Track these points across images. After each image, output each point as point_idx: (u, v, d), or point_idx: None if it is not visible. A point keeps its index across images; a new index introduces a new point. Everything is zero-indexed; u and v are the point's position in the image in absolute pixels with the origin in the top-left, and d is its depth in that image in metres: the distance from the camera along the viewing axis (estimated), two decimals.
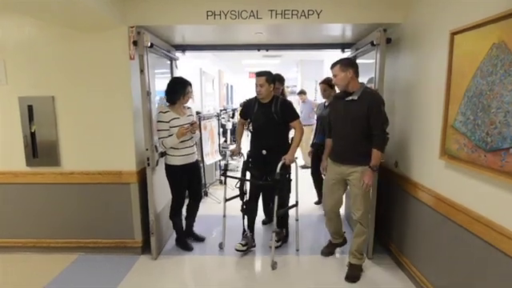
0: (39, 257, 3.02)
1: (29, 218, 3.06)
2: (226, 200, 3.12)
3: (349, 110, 2.47)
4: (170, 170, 2.99)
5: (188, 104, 3.11)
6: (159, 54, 3.24)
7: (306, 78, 8.57)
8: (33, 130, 2.93)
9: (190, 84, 3.02)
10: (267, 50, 3.77)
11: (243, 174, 3.13)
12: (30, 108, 2.91)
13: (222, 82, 7.91)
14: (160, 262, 2.89)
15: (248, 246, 3.08)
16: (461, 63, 1.93)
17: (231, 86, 10.79)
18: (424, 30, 2.44)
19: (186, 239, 3.20)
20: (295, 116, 2.99)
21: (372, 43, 2.80)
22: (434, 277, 2.28)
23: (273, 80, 2.94)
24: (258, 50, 3.71)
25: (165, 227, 3.20)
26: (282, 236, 3.21)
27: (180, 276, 2.74)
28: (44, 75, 2.88)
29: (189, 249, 3.13)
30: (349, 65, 2.47)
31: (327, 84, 3.75)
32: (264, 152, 2.97)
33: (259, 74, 2.93)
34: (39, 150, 2.95)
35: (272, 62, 7.76)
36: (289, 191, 3.05)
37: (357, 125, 2.45)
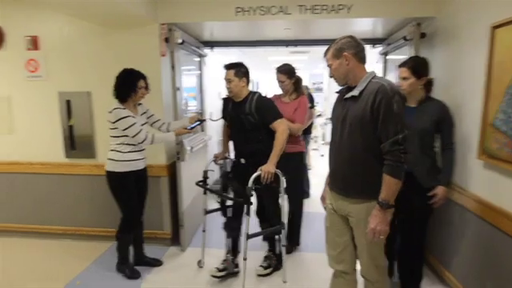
0: (78, 244, 3.20)
1: (68, 207, 3.24)
2: (207, 212, 2.74)
3: (347, 113, 1.67)
4: (111, 178, 2.52)
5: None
6: (189, 51, 3.31)
7: None
8: (71, 124, 3.09)
9: (144, 77, 2.55)
10: (296, 46, 3.75)
11: (223, 187, 2.67)
12: (69, 103, 3.07)
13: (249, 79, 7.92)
14: (188, 254, 2.96)
15: (227, 271, 2.61)
16: (502, 58, 1.83)
17: (257, 83, 10.81)
18: (461, 23, 2.33)
19: (131, 264, 2.72)
20: (275, 116, 2.42)
21: (405, 38, 2.71)
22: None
23: (244, 73, 2.47)
24: (287, 46, 3.71)
25: (193, 220, 3.28)
26: (274, 262, 2.70)
27: (208, 268, 2.76)
28: (81, 71, 3.03)
29: (134, 276, 2.65)
30: (346, 48, 1.64)
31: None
32: (243, 161, 2.53)
33: (227, 67, 2.47)
34: (77, 142, 3.11)
35: (299, 59, 7.67)
36: (276, 208, 2.53)
37: (356, 134, 1.62)
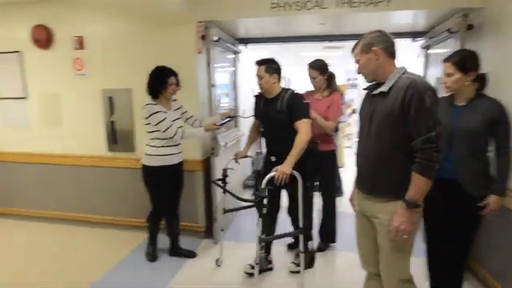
0: (117, 233, 3.39)
1: (109, 198, 3.43)
2: (226, 211, 2.68)
3: (375, 110, 1.61)
4: (146, 172, 2.69)
5: (174, 96, 2.74)
6: (224, 48, 3.36)
7: None
8: (113, 119, 3.26)
9: (175, 74, 2.65)
10: (330, 41, 3.68)
11: (256, 185, 2.64)
12: (111, 99, 3.23)
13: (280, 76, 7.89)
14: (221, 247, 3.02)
15: (260, 268, 2.51)
16: None
17: (289, 80, 10.73)
18: None
19: (154, 247, 2.89)
20: (301, 115, 2.34)
21: (449, 30, 2.57)
22: None
23: (276, 69, 2.44)
24: (321, 41, 3.65)
25: (227, 214, 3.32)
26: (306, 259, 2.65)
27: (240, 261, 2.80)
28: (122, 69, 3.18)
29: (149, 259, 2.85)
30: (375, 42, 1.59)
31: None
32: (273, 159, 2.48)
33: (258, 63, 2.46)
34: (118, 137, 3.28)
35: (333, 54, 7.50)
36: (305, 209, 2.37)
37: (385, 131, 1.56)
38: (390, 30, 3.34)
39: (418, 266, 2.05)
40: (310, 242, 2.75)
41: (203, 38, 2.90)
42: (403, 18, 3.01)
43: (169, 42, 3.02)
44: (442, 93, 2.05)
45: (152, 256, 2.87)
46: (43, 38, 3.26)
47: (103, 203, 3.45)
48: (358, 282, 1.94)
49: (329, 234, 3.04)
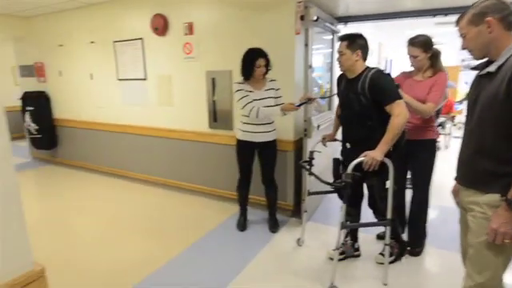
0: (213, 203, 3.74)
1: (207, 170, 3.79)
2: (309, 194, 2.75)
3: (480, 93, 1.41)
4: (236, 144, 2.99)
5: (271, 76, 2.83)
6: (322, 28, 3.28)
7: None
8: (214, 99, 3.54)
9: (264, 55, 2.72)
10: (445, 15, 3.24)
11: (334, 172, 2.45)
12: (214, 80, 3.51)
13: (381, 56, 7.33)
14: (307, 228, 3.06)
15: (345, 254, 2.61)
16: None
17: (391, 61, 9.90)
18: None
19: (245, 218, 3.16)
20: (391, 96, 2.04)
21: None
22: None
23: (360, 46, 2.15)
24: (434, 15, 3.24)
25: (315, 196, 3.35)
26: (395, 251, 2.56)
27: (323, 243, 2.82)
28: (224, 52, 3.40)
29: (239, 228, 3.11)
30: (490, 11, 1.34)
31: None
32: (348, 145, 2.32)
33: (341, 38, 2.22)
34: (218, 115, 3.56)
35: (446, 31, 6.60)
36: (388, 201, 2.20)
37: (488, 117, 1.37)
38: None
39: None
40: (402, 235, 2.59)
41: (302, 18, 2.88)
42: None
43: (268, 23, 3.10)
44: None
45: (241, 226, 3.11)
46: (160, 26, 3.69)
47: (202, 174, 3.83)
48: (444, 282, 1.76)
49: (420, 237, 2.72)
